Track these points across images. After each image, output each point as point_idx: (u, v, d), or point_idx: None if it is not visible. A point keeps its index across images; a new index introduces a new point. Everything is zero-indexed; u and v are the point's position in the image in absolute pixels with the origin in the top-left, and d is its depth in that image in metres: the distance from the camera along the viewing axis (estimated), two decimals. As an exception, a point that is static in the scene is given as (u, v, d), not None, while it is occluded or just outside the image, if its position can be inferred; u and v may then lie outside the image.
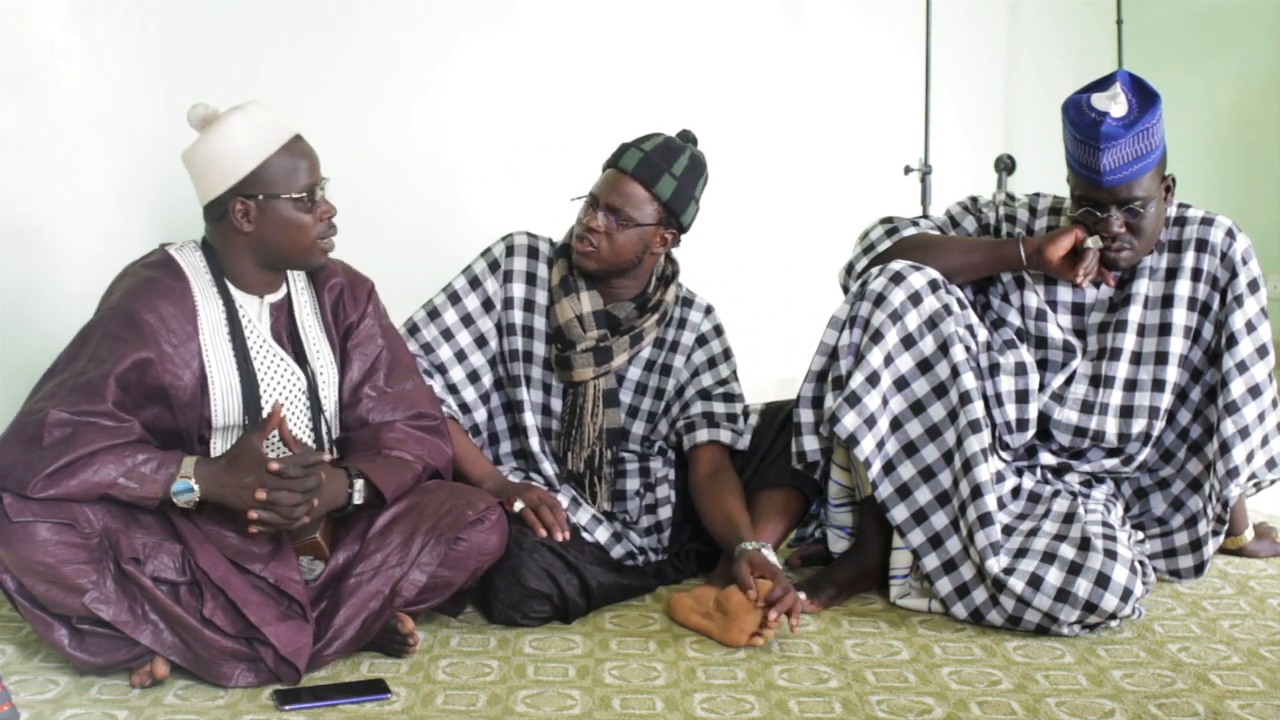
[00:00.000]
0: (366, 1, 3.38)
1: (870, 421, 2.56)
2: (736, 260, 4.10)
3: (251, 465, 2.18)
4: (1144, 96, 2.55)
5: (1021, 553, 2.51)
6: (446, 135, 3.56)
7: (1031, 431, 2.71)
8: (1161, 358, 2.72)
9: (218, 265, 2.35)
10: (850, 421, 2.56)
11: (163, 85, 3.04)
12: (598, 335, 2.75)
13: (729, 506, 2.66)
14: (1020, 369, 2.69)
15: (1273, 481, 2.82)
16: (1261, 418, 2.71)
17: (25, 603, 2.16)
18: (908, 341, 2.59)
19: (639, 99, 3.82)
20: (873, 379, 2.57)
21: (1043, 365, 2.75)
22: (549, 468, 2.78)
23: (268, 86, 2.81)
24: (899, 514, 2.59)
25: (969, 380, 2.56)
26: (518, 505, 2.58)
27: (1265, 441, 2.73)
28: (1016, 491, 2.68)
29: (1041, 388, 2.73)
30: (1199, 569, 2.77)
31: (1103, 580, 2.42)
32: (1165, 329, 2.72)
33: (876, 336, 2.57)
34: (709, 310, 2.90)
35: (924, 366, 2.59)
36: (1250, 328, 2.69)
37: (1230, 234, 2.71)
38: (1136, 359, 2.73)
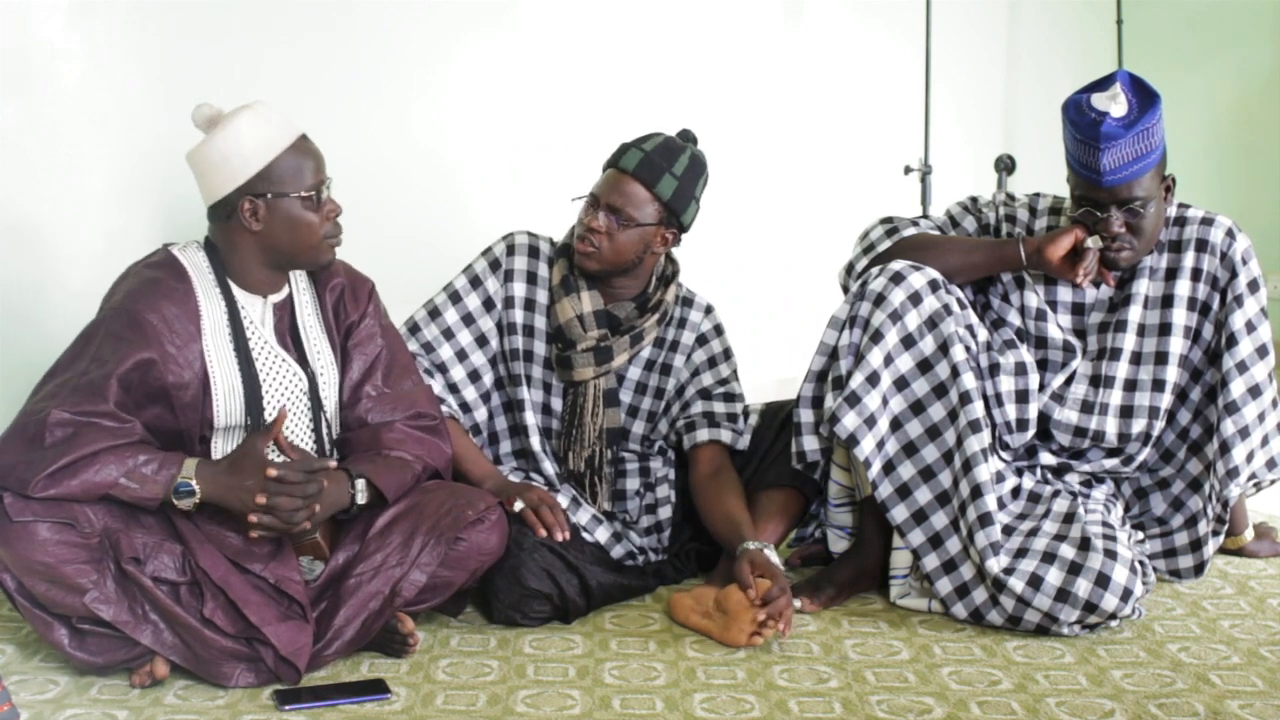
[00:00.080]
0: (366, 1, 3.38)
1: (870, 421, 2.56)
2: (736, 260, 4.10)
3: (253, 469, 2.19)
4: (1144, 96, 2.55)
5: (1021, 553, 2.51)
6: (446, 135, 3.56)
7: (1031, 431, 2.71)
8: (1161, 358, 2.72)
9: (221, 265, 2.35)
10: (850, 421, 2.56)
11: (163, 85, 3.04)
12: (598, 335, 2.75)
13: (730, 506, 2.66)
14: (1020, 369, 2.69)
15: (1273, 481, 2.82)
16: (1261, 418, 2.71)
17: (25, 602, 2.16)
18: (908, 341, 2.59)
19: (639, 99, 3.82)
20: (873, 379, 2.57)
21: (1043, 365, 2.75)
22: (549, 467, 2.78)
23: (268, 86, 2.82)
24: (899, 514, 2.59)
25: (969, 380, 2.56)
26: (518, 505, 2.58)
27: (1265, 441, 2.73)
28: (1016, 491, 2.68)
29: (1041, 388, 2.73)
30: (1199, 569, 2.77)
31: (1103, 580, 2.42)
32: (1165, 329, 2.72)
33: (876, 336, 2.57)
34: (709, 310, 2.90)
35: (924, 366, 2.59)
36: (1250, 328, 2.69)
37: (1230, 234, 2.71)
38: (1136, 359, 2.73)
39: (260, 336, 2.36)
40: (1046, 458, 2.76)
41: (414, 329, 2.78)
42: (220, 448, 2.33)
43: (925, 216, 2.88)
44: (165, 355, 2.23)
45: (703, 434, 2.78)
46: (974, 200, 2.89)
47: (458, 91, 3.58)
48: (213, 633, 2.18)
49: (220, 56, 3.11)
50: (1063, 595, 2.43)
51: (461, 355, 2.78)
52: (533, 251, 2.83)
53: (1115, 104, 2.52)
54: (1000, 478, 2.64)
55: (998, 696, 2.24)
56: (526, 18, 3.69)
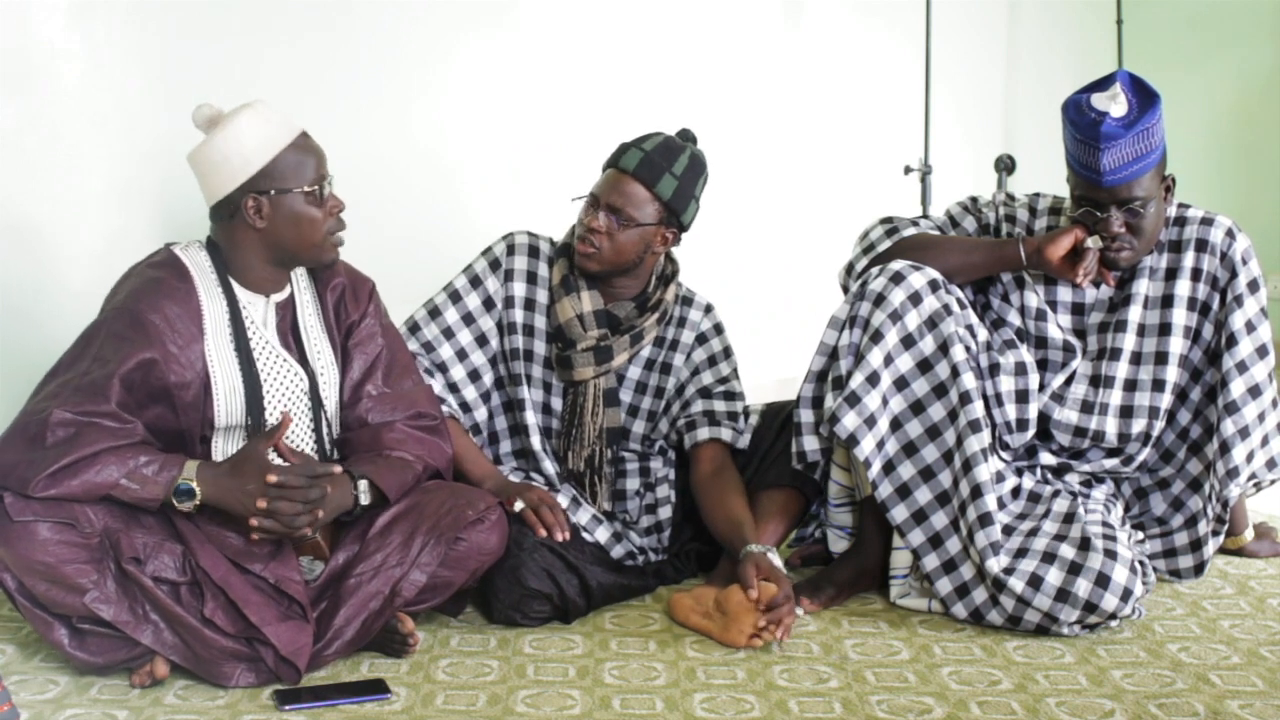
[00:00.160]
0: (366, 1, 3.38)
1: (870, 421, 2.56)
2: (736, 260, 4.11)
3: (254, 473, 2.19)
4: (1144, 96, 2.55)
5: (1021, 553, 2.51)
6: (446, 135, 3.56)
7: (1031, 431, 2.71)
8: (1161, 358, 2.72)
9: (223, 265, 2.35)
10: (850, 421, 2.56)
11: (163, 85, 3.04)
12: (598, 334, 2.75)
13: (732, 506, 2.66)
14: (1020, 369, 2.69)
15: (1273, 481, 2.82)
16: (1261, 418, 2.71)
17: (26, 602, 2.16)
18: (908, 341, 2.59)
19: (639, 99, 3.82)
20: (873, 379, 2.57)
21: (1043, 365, 2.75)
22: (550, 467, 2.78)
23: (268, 86, 2.81)
24: (899, 514, 2.59)
25: (969, 380, 2.56)
26: (518, 505, 2.58)
27: (1265, 441, 2.73)
28: (1016, 491, 2.68)
29: (1041, 388, 2.73)
30: (1199, 569, 2.77)
31: (1103, 580, 2.42)
32: (1165, 329, 2.72)
33: (876, 336, 2.57)
34: (709, 309, 2.90)
35: (924, 366, 2.59)
36: (1250, 328, 2.69)
37: (1230, 234, 2.71)
38: (1136, 359, 2.73)
39: (262, 336, 2.36)
40: (1046, 458, 2.76)
41: (414, 328, 2.78)
42: (220, 448, 2.33)
43: (925, 216, 2.88)
44: (167, 355, 2.23)
45: (703, 432, 2.78)
46: (974, 200, 2.89)
47: (458, 91, 3.58)
48: (213, 633, 2.18)
49: (220, 56, 3.11)
50: (1063, 595, 2.43)
51: (461, 355, 2.78)
52: (533, 251, 2.83)
53: (1115, 104, 2.52)
54: (1000, 478, 2.64)
55: (998, 696, 2.24)
56: (526, 18, 3.69)
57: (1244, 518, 2.95)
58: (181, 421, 2.27)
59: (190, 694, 2.21)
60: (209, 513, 2.23)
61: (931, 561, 2.58)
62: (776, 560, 2.52)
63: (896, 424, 2.60)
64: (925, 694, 2.24)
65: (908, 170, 4.06)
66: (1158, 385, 2.72)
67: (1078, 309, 2.77)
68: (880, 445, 2.59)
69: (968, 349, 2.62)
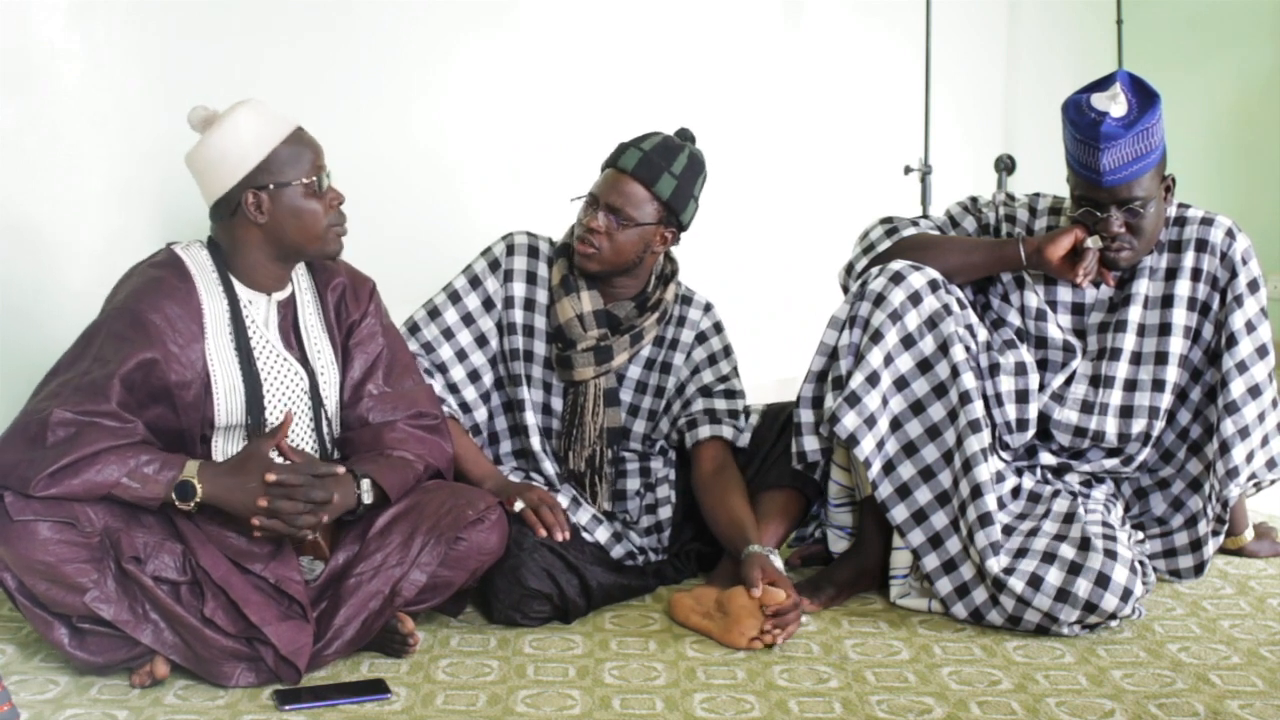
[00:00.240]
0: (366, 1, 3.38)
1: (870, 421, 2.56)
2: (736, 260, 4.10)
3: (256, 471, 2.19)
4: (1144, 96, 2.55)
5: (1021, 553, 2.51)
6: (446, 135, 3.56)
7: (1031, 431, 2.71)
8: (1161, 358, 2.72)
9: (224, 264, 2.35)
10: (850, 421, 2.56)
11: (163, 85, 3.04)
12: (598, 334, 2.75)
13: (733, 505, 2.66)
14: (1020, 369, 2.69)
15: (1273, 481, 2.82)
16: (1261, 418, 2.71)
17: (26, 601, 2.16)
18: (907, 341, 2.59)
19: (639, 99, 3.82)
20: (873, 379, 2.57)
21: (1043, 365, 2.75)
22: (550, 467, 2.78)
23: (268, 86, 2.81)
24: (899, 514, 2.59)
25: (969, 380, 2.56)
26: (518, 505, 2.58)
27: (1265, 441, 2.73)
28: (1016, 491, 2.68)
29: (1041, 388, 2.73)
30: (1199, 569, 2.77)
31: (1103, 580, 2.42)
32: (1165, 329, 2.72)
33: (876, 336, 2.57)
34: (708, 308, 2.90)
35: (924, 366, 2.59)
36: (1250, 328, 2.69)
37: (1230, 234, 2.71)
38: (1136, 359, 2.73)
39: (263, 335, 2.37)
40: (1046, 458, 2.76)
41: (414, 329, 2.78)
42: (221, 447, 2.33)
43: (925, 216, 2.88)
44: (168, 355, 2.23)
45: (704, 430, 2.78)
46: (974, 200, 2.89)
47: (458, 91, 3.58)
48: (213, 632, 2.19)
49: (220, 56, 3.11)
50: (1063, 595, 2.43)
51: (461, 355, 2.78)
52: (532, 251, 2.83)
53: (1115, 104, 2.52)
54: (1000, 478, 2.64)
55: (998, 696, 2.24)
56: (526, 18, 3.69)
57: (1244, 518, 2.95)
58: (182, 421, 2.27)
59: (190, 694, 2.21)
60: (209, 512, 2.23)
61: (931, 561, 2.58)
62: (778, 562, 2.53)
63: (896, 424, 2.60)
64: (925, 694, 2.24)
65: (908, 170, 4.06)
66: (1158, 385, 2.72)
67: (1078, 309, 2.77)
68: (880, 445, 2.59)
69: (968, 349, 2.62)
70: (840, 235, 3.23)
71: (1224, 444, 2.68)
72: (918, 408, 2.60)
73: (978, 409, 2.55)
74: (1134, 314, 2.72)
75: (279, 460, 2.25)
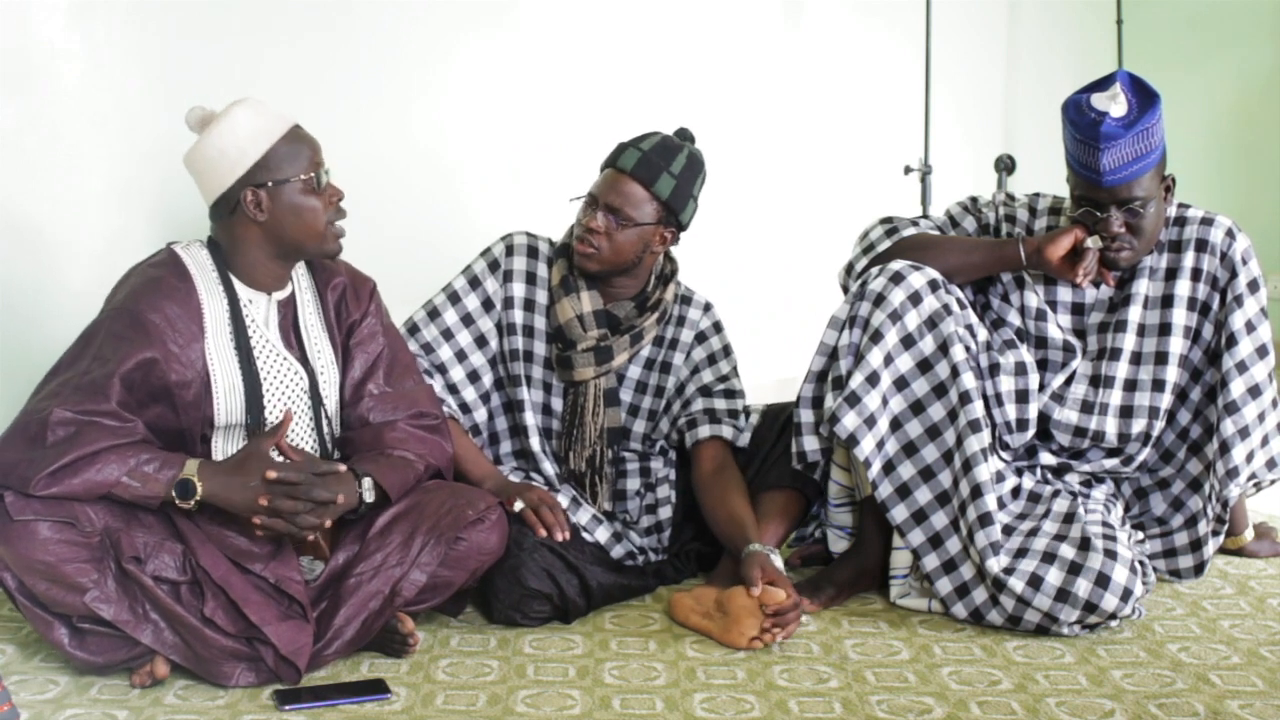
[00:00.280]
0: (366, 1, 3.38)
1: (870, 421, 2.56)
2: (736, 260, 4.10)
3: (257, 470, 2.19)
4: (1144, 96, 2.55)
5: (1021, 553, 2.51)
6: (446, 135, 3.56)
7: (1031, 431, 2.71)
8: (1161, 358, 2.72)
9: (224, 263, 2.35)
10: (850, 421, 2.56)
11: (163, 85, 3.04)
12: (598, 335, 2.75)
13: (733, 504, 2.66)
14: (1020, 369, 2.69)
15: (1273, 481, 2.82)
16: (1261, 418, 2.71)
17: (26, 601, 2.16)
18: (907, 341, 2.59)
19: (639, 99, 3.82)
20: (872, 379, 2.57)
21: (1042, 365, 2.75)
22: (549, 467, 2.78)
23: (268, 86, 2.81)
24: (899, 514, 2.59)
25: (969, 380, 2.56)
26: (518, 505, 2.58)
27: (1265, 441, 2.73)
28: (1016, 491, 2.68)
29: (1041, 388, 2.73)
30: (1199, 569, 2.77)
31: (1103, 580, 2.42)
32: (1165, 329, 2.72)
33: (876, 336, 2.57)
34: (708, 307, 2.90)
35: (924, 366, 2.59)
36: (1250, 328, 2.69)
37: (1230, 234, 2.71)
38: (1136, 359, 2.73)
39: (262, 335, 2.37)
40: (1046, 458, 2.76)
41: (413, 330, 2.78)
42: (220, 447, 2.33)
43: (925, 216, 2.88)
44: (167, 354, 2.23)
45: (704, 430, 2.78)
46: (974, 200, 2.89)
47: (458, 91, 3.58)
48: (213, 632, 2.19)
49: (220, 56, 3.11)
50: (1063, 595, 2.43)
51: (461, 356, 2.78)
52: (531, 252, 2.83)
53: (1115, 104, 2.52)
54: (1000, 477, 2.64)
55: (998, 696, 2.24)
56: (526, 18, 3.69)
57: (1244, 518, 2.95)
58: (182, 420, 2.27)
59: (190, 694, 2.21)
60: (210, 512, 2.23)
61: (931, 561, 2.58)
62: (778, 561, 2.53)
63: (896, 424, 2.60)
64: (925, 694, 2.24)
65: (908, 170, 4.06)
66: (1158, 385, 2.72)
67: (1078, 309, 2.77)
68: (880, 445, 2.59)
69: (968, 349, 2.62)
70: (840, 235, 3.23)
71: (1224, 444, 2.68)
72: (918, 408, 2.60)
73: (978, 409, 2.55)
74: (1134, 314, 2.72)
75: (279, 459, 2.25)
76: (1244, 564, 2.92)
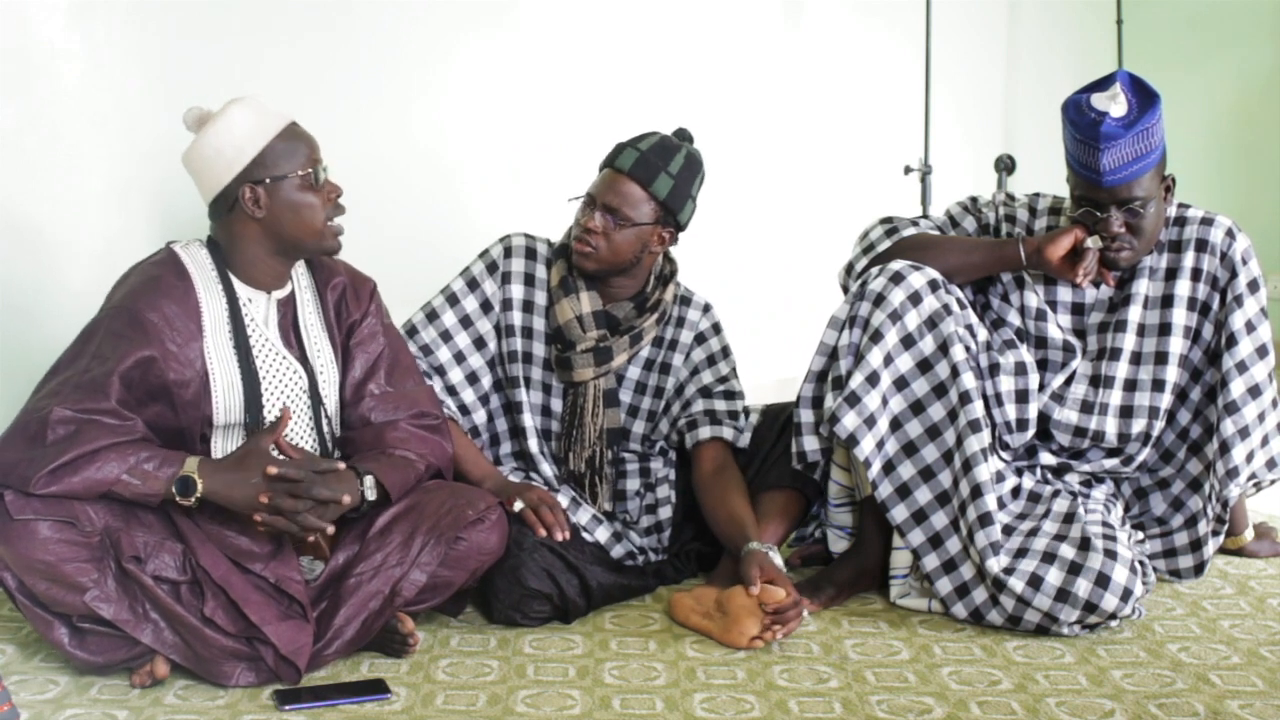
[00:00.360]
0: (366, 1, 3.38)
1: (870, 421, 2.56)
2: (736, 260, 4.11)
3: (257, 466, 2.19)
4: (1144, 96, 2.55)
5: (1021, 553, 2.51)
6: (446, 135, 3.56)
7: (1031, 431, 2.71)
8: (1161, 358, 2.72)
9: (223, 262, 2.35)
10: (850, 421, 2.56)
11: (163, 85, 3.04)
12: (597, 335, 2.75)
13: (733, 504, 2.66)
14: (1020, 369, 2.69)
15: (1273, 481, 2.82)
16: (1261, 418, 2.71)
17: (26, 601, 2.16)
18: (907, 341, 2.59)
19: (639, 99, 3.82)
20: (872, 379, 2.57)
21: (1042, 365, 2.75)
22: (548, 469, 2.78)
23: (268, 86, 2.81)
24: (899, 514, 2.59)
25: (969, 380, 2.56)
26: (518, 505, 2.58)
27: (1265, 441, 2.73)
28: (1016, 491, 2.68)
29: (1041, 388, 2.73)
30: (1199, 569, 2.77)
31: (1103, 580, 2.42)
32: (1165, 329, 2.72)
33: (876, 336, 2.57)
34: (707, 308, 2.90)
35: (924, 366, 2.59)
36: (1250, 328, 2.69)
37: (1230, 234, 2.71)
38: (1136, 359, 2.73)
39: (262, 334, 2.37)
40: (1046, 458, 2.76)
41: (411, 332, 2.78)
42: (220, 446, 2.33)
43: (925, 216, 2.88)
44: (166, 353, 2.23)
45: (705, 431, 2.78)
46: (974, 200, 2.89)
47: (458, 91, 3.58)
48: (213, 632, 2.19)
49: (220, 56, 3.11)
50: (1063, 595, 2.43)
51: (460, 358, 2.78)
52: (530, 253, 2.83)
53: (1115, 104, 2.52)
54: (1000, 477, 2.64)
55: (998, 696, 2.24)
56: (526, 18, 3.69)
57: (1244, 518, 2.95)
58: (181, 419, 2.27)
59: (190, 694, 2.21)
60: (210, 510, 2.23)
61: (931, 561, 2.58)
62: (778, 560, 2.53)
63: (896, 424, 2.60)
64: (925, 694, 2.24)
65: (908, 170, 4.06)
66: (1157, 385, 2.72)
67: (1078, 309, 2.77)
68: (880, 445, 2.59)
69: (967, 349, 2.62)
70: (840, 235, 3.23)
71: (1224, 444, 2.68)
72: (918, 408, 2.60)
73: (978, 409, 2.55)
74: (1134, 314, 2.72)
75: (279, 458, 2.25)
76: (1244, 564, 2.92)
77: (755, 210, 4.20)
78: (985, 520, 2.50)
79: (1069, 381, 2.75)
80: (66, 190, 2.96)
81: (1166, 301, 2.72)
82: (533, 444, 2.78)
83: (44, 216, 2.94)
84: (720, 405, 2.81)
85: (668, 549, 2.84)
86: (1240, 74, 4.80)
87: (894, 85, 4.40)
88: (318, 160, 2.35)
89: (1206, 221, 2.72)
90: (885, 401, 2.59)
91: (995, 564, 2.48)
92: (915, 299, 2.59)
